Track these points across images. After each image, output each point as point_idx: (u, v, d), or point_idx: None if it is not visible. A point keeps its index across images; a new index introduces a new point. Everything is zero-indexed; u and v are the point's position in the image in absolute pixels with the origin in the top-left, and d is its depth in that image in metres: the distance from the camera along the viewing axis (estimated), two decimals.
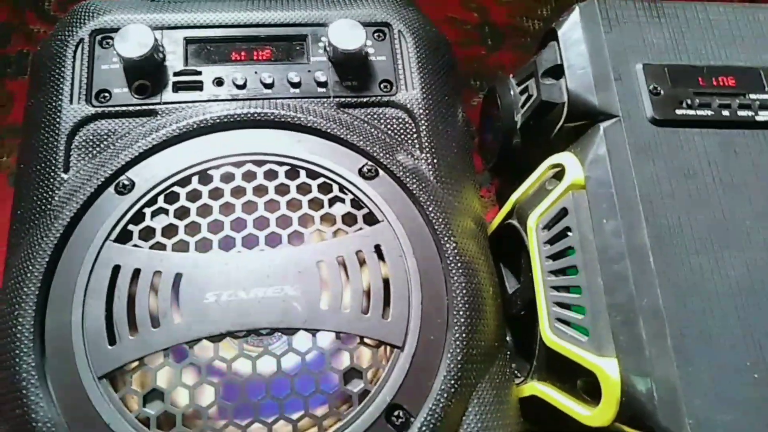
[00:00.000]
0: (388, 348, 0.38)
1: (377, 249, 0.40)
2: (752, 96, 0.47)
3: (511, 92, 0.56)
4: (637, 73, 0.47)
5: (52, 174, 0.42)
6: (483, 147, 0.64)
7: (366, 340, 0.38)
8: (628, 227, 0.42)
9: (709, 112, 0.46)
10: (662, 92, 0.47)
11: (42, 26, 0.74)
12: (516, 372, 0.47)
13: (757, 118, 0.46)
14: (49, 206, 0.41)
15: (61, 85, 0.45)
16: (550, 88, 0.50)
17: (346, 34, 0.46)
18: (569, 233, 0.44)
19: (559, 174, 0.47)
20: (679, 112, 0.46)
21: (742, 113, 0.46)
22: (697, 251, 0.42)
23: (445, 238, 0.41)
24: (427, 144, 0.46)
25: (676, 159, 0.45)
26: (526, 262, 0.48)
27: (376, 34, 0.49)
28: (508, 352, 0.44)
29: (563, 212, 0.44)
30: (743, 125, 0.46)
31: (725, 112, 0.46)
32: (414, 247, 0.41)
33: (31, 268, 0.38)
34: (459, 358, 0.38)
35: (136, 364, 0.36)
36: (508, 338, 0.47)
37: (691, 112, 0.46)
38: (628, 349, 0.39)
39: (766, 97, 0.47)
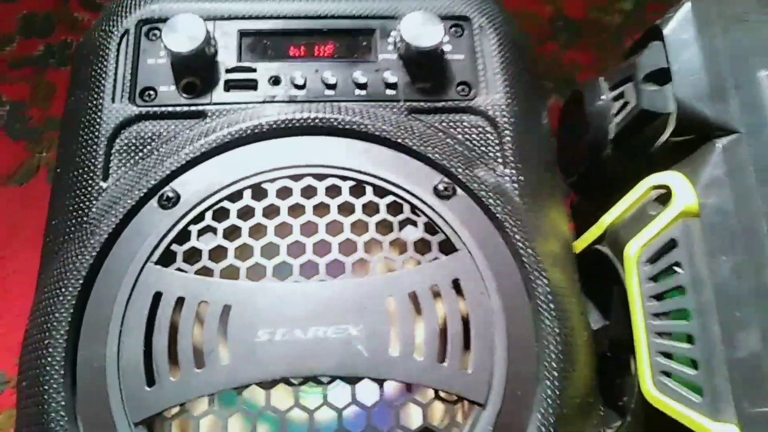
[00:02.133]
0: (467, 404, 0.33)
1: (455, 283, 0.34)
2: None
3: (602, 98, 0.49)
4: (761, 81, 0.40)
5: (90, 182, 0.38)
6: (562, 158, 0.57)
7: (441, 394, 0.32)
8: (754, 265, 0.36)
9: None
10: None
11: (86, 14, 0.70)
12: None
13: None
14: (85, 218, 0.36)
15: (102, 82, 0.40)
16: (652, 95, 0.43)
17: (421, 28, 0.40)
18: (678, 269, 0.37)
19: (663, 197, 0.40)
20: None
21: None
22: None
23: (535, 273, 0.35)
24: (511, 157, 0.40)
25: None
26: (619, 297, 0.42)
27: (453, 29, 0.43)
28: (602, 409, 0.38)
29: (671, 244, 0.38)
30: None
31: None
32: (498, 283, 0.35)
33: (63, 290, 0.34)
34: (551, 418, 0.32)
35: (176, 410, 0.32)
36: None
37: None
38: (753, 417, 0.33)
39: None
